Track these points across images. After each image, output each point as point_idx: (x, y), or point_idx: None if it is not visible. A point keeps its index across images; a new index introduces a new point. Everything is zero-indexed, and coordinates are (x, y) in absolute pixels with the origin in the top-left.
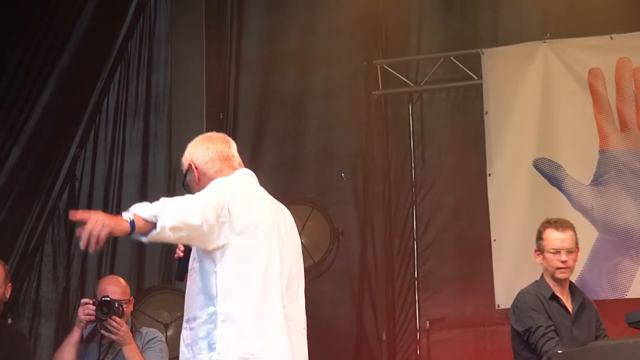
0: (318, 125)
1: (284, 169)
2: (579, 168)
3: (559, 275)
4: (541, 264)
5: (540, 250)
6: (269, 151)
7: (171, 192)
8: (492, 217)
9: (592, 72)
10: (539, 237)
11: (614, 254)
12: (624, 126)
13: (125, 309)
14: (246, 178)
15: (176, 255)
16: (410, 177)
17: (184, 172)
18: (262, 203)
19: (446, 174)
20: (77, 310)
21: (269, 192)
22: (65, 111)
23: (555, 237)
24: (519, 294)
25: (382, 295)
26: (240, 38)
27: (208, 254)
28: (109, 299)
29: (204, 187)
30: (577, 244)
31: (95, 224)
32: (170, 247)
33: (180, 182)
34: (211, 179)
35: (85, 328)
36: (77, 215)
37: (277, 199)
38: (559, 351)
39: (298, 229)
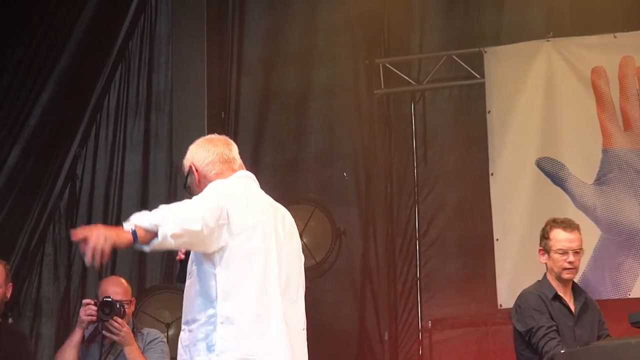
0: (320, 124)
1: (286, 168)
2: (582, 167)
3: (566, 275)
4: (545, 263)
5: (546, 250)
6: (270, 151)
7: (172, 192)
8: (494, 217)
9: (595, 71)
10: (545, 237)
11: (617, 253)
12: (627, 125)
13: (126, 309)
14: (245, 180)
15: (178, 258)
16: (412, 177)
17: (185, 174)
18: (260, 205)
19: (449, 173)
20: (78, 310)
21: (270, 192)
22: (65, 110)
23: (563, 238)
24: (521, 294)
25: (384, 295)
26: (241, 38)
27: (207, 256)
28: (110, 299)
29: (204, 189)
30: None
31: (97, 238)
32: None
33: (181, 182)
34: (211, 181)
35: (87, 328)
36: (78, 235)
37: (279, 199)
38: (562, 351)
39: (300, 229)
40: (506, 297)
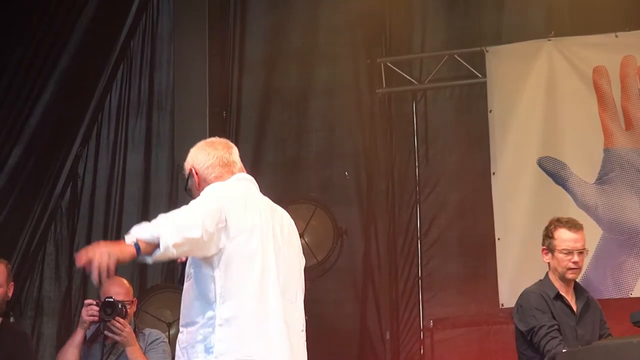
0: (321, 123)
1: (287, 167)
2: (583, 166)
3: (570, 275)
4: (548, 262)
5: (550, 249)
6: (272, 150)
7: (173, 191)
8: (496, 216)
9: (596, 70)
10: (550, 236)
11: (619, 252)
12: (628, 124)
13: (128, 310)
14: (243, 183)
15: (179, 261)
16: (414, 176)
17: (186, 176)
18: (257, 207)
19: (450, 172)
20: (80, 309)
21: (272, 191)
22: (67, 109)
23: (568, 238)
24: (523, 293)
25: (386, 294)
26: (243, 37)
27: (205, 259)
28: (112, 300)
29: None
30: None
31: (101, 256)
32: None
33: (183, 181)
34: (210, 184)
35: (89, 329)
36: (82, 259)
37: (281, 198)
38: (563, 350)
39: (301, 228)
40: (508, 297)
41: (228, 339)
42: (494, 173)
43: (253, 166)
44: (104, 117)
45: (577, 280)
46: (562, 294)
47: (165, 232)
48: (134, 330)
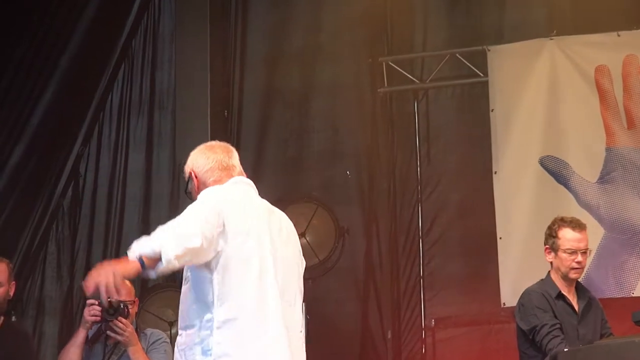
0: (323, 123)
1: (289, 167)
2: (585, 166)
3: (573, 275)
4: (551, 262)
5: (553, 248)
6: (273, 149)
7: (175, 190)
8: (498, 215)
9: (598, 70)
10: (553, 235)
11: (621, 252)
12: (630, 124)
13: (130, 310)
14: (240, 186)
15: None
16: (415, 175)
17: (186, 180)
18: (254, 210)
19: (452, 171)
20: (81, 308)
21: (273, 190)
22: (68, 109)
23: (572, 237)
24: (524, 292)
25: (388, 293)
26: (244, 37)
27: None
28: (115, 299)
29: None
30: None
31: (107, 277)
32: None
33: (184, 181)
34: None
35: (91, 329)
36: (90, 286)
37: (282, 198)
38: (565, 349)
39: (303, 227)
40: (509, 296)
41: (226, 342)
42: (495, 172)
43: (254, 166)
44: (105, 117)
45: (579, 279)
46: (564, 293)
47: (166, 245)
48: (136, 330)
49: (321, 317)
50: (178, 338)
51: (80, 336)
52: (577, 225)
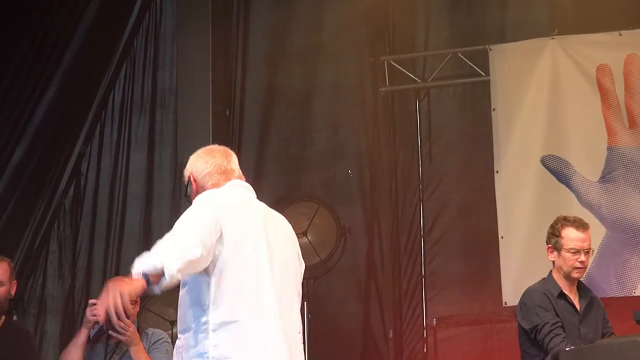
0: (325, 122)
1: (291, 166)
2: (587, 165)
3: (576, 275)
4: (553, 261)
5: (556, 248)
6: (275, 149)
7: (176, 189)
8: (499, 214)
9: (600, 69)
10: (556, 235)
11: (622, 251)
12: (632, 123)
13: (132, 309)
14: (237, 189)
15: None
16: (417, 174)
17: (185, 184)
18: (250, 213)
19: (453, 171)
20: (83, 307)
21: (275, 189)
22: (70, 108)
23: (575, 237)
24: (526, 292)
25: (389, 292)
26: (246, 36)
27: None
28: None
29: None
30: None
31: (114, 299)
32: None
33: (184, 183)
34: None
35: (93, 329)
36: (101, 314)
37: (284, 197)
38: (567, 348)
39: (304, 227)
40: (511, 295)
41: (222, 344)
42: (497, 171)
43: (256, 165)
44: (107, 116)
45: (581, 279)
46: (566, 292)
47: (168, 260)
48: (137, 330)
49: (323, 317)
50: (177, 341)
51: (82, 336)
52: (580, 224)
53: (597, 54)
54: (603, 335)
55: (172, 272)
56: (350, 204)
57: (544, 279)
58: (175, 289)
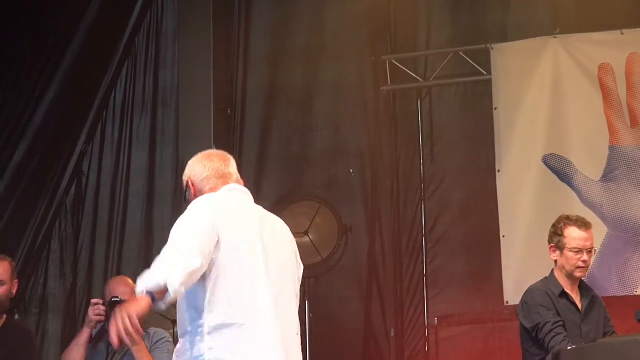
0: (326, 121)
1: (292, 165)
2: (588, 164)
3: (578, 274)
4: (555, 260)
5: (558, 247)
6: (276, 147)
7: (178, 188)
8: (501, 214)
9: (602, 68)
10: (559, 234)
11: (624, 250)
12: (634, 122)
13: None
14: (234, 193)
15: None
16: (419, 173)
17: (184, 188)
18: (246, 217)
19: (455, 170)
20: (84, 306)
21: (277, 188)
22: (72, 107)
23: (578, 236)
24: (528, 290)
25: (391, 291)
26: (247, 35)
27: None
28: (119, 299)
29: None
30: None
31: (124, 323)
32: None
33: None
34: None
35: (95, 328)
36: (115, 340)
37: (285, 196)
38: (568, 347)
39: (306, 226)
40: (512, 294)
41: (218, 347)
42: (499, 170)
43: (258, 164)
44: (108, 115)
45: (583, 278)
46: (568, 291)
47: (170, 276)
48: None
49: (324, 315)
50: (177, 345)
51: (84, 335)
52: (583, 224)
53: (599, 53)
54: (604, 335)
55: (175, 287)
56: (351, 203)
57: (545, 278)
58: None
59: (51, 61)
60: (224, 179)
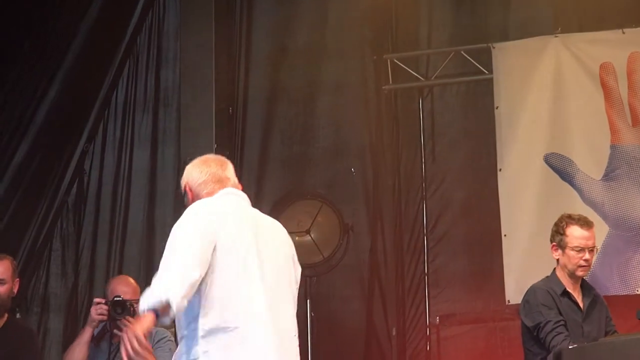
0: (328, 120)
1: (294, 164)
2: (590, 163)
3: (580, 273)
4: (557, 259)
5: (560, 246)
6: (278, 147)
7: (179, 188)
8: (502, 213)
9: (603, 67)
10: (561, 233)
11: (625, 249)
12: (635, 121)
13: (136, 308)
14: (230, 197)
15: None
16: (420, 172)
17: (183, 193)
18: (240, 221)
19: (456, 169)
20: (86, 305)
21: (278, 187)
22: (73, 106)
23: (580, 235)
24: (529, 289)
25: (392, 290)
26: (249, 34)
27: None
28: (122, 298)
29: None
30: None
31: (132, 342)
32: None
33: None
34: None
35: (97, 327)
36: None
37: (287, 195)
38: (570, 347)
39: (308, 225)
40: (514, 293)
41: (212, 351)
42: (500, 170)
43: (259, 163)
44: (110, 114)
45: (585, 277)
46: (569, 290)
47: (171, 291)
48: None
49: (326, 315)
50: (177, 349)
51: (86, 334)
52: (585, 222)
53: (600, 52)
54: (606, 334)
55: (177, 301)
56: (353, 202)
57: (547, 277)
58: None
59: (52, 61)
60: (221, 183)
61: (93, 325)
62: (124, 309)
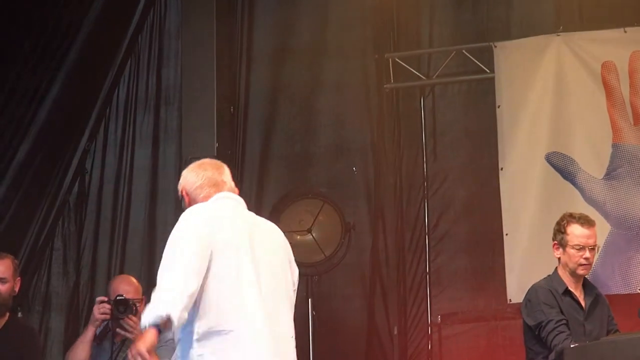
0: (329, 119)
1: (295, 163)
2: (591, 162)
3: (581, 271)
4: (559, 257)
5: (561, 244)
6: (280, 145)
7: None
8: (504, 211)
9: (605, 66)
10: (562, 231)
11: (627, 248)
12: (637, 120)
13: (138, 308)
14: (225, 201)
15: None
16: (421, 171)
17: (180, 197)
18: (235, 226)
19: (458, 168)
20: (88, 304)
21: (280, 186)
22: (74, 105)
23: (580, 234)
24: (531, 288)
25: (394, 289)
26: (251, 32)
27: None
28: (124, 297)
29: None
30: None
31: (137, 359)
32: None
33: None
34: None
35: (99, 326)
36: None
37: (289, 194)
38: (572, 345)
39: (309, 223)
40: (515, 292)
41: (207, 354)
42: (502, 168)
43: (261, 162)
44: (111, 113)
45: (586, 276)
46: (571, 289)
47: (170, 305)
48: None
49: (327, 313)
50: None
51: (88, 333)
52: (586, 221)
53: (602, 51)
54: (608, 332)
55: (178, 315)
56: (354, 200)
57: (549, 275)
58: None
59: (54, 60)
60: (217, 187)
61: (95, 324)
62: (127, 308)
